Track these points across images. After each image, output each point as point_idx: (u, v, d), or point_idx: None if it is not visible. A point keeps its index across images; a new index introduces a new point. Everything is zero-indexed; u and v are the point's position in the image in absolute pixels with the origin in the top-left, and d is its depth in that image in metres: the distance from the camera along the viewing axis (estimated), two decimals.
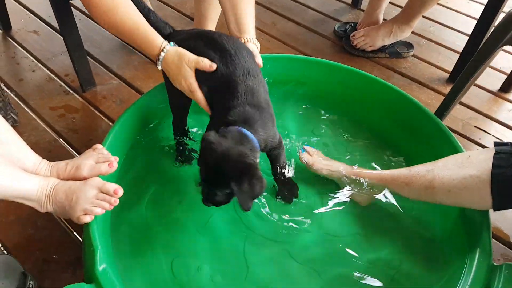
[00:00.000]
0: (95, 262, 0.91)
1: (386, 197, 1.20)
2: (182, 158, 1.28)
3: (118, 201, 0.98)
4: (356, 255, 1.11)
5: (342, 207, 1.20)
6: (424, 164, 1.10)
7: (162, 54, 1.07)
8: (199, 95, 1.07)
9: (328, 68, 1.47)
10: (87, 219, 0.96)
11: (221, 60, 1.05)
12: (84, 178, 1.01)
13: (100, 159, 1.05)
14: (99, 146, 1.09)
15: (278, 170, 1.19)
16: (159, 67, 1.10)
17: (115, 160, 1.05)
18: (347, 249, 1.12)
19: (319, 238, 1.14)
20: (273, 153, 1.15)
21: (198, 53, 1.06)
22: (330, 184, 1.23)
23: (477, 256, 0.99)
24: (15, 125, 1.46)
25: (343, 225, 1.17)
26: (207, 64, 1.04)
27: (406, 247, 1.13)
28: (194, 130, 1.33)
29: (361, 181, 1.19)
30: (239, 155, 0.94)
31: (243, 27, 1.18)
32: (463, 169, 0.99)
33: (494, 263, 0.98)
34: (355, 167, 1.23)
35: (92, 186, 0.97)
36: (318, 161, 1.24)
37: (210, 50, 1.06)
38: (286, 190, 1.20)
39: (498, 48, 1.22)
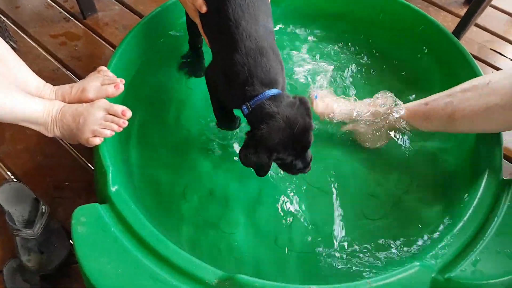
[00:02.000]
0: (108, 183, 0.92)
1: (396, 137, 1.16)
2: (193, 70, 1.27)
3: (126, 122, 0.97)
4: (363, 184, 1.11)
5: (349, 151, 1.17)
6: (441, 94, 1.06)
7: None
8: (200, 30, 1.04)
9: None
10: (96, 141, 0.96)
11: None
12: (90, 101, 0.99)
13: (106, 81, 1.02)
14: (104, 68, 1.06)
15: None
16: None
17: (121, 82, 1.03)
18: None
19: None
20: None
21: None
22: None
23: (487, 171, 1.00)
24: None
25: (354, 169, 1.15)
26: (198, 3, 0.97)
27: (413, 175, 1.13)
28: None
29: (378, 121, 1.13)
30: (292, 106, 0.89)
31: None
32: (484, 98, 0.96)
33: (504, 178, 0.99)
34: (368, 100, 1.15)
35: (99, 107, 0.96)
36: (333, 108, 1.14)
37: None
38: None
39: None
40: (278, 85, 0.92)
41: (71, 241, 1.00)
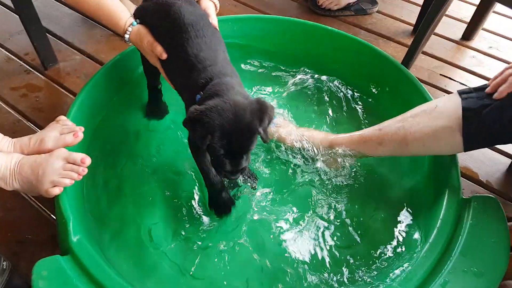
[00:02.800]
0: (69, 233, 0.90)
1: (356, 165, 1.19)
2: (154, 112, 1.30)
3: (86, 170, 0.97)
4: (330, 212, 1.12)
5: (314, 174, 1.18)
6: (393, 120, 1.10)
7: (126, 36, 1.07)
8: (162, 74, 1.09)
9: (293, 25, 1.47)
10: (56, 191, 0.95)
11: (173, 38, 1.00)
12: (49, 151, 0.99)
13: (65, 130, 1.03)
14: (62, 117, 1.07)
15: None
16: (129, 44, 1.11)
17: (80, 130, 1.03)
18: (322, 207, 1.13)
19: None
20: None
21: (156, 32, 1.05)
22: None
23: (447, 191, 1.03)
24: None
25: (319, 190, 1.16)
26: (158, 52, 1.02)
27: (379, 199, 1.15)
28: None
29: (335, 150, 1.17)
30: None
31: None
32: (433, 121, 1.02)
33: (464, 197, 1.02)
34: (327, 133, 1.21)
35: (58, 157, 0.96)
36: (291, 133, 1.20)
37: (164, 29, 1.03)
38: (248, 175, 1.14)
39: None
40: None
41: None
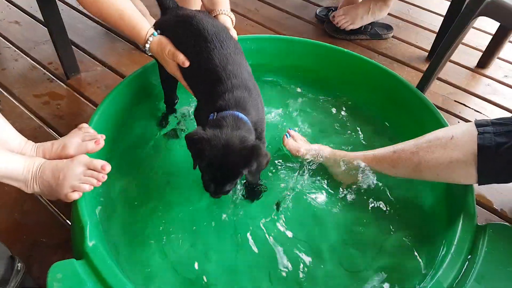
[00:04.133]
0: (85, 238, 0.92)
1: (368, 175, 1.19)
2: (170, 131, 1.32)
3: (106, 177, 0.99)
4: (343, 232, 1.12)
5: (325, 187, 1.20)
6: (408, 144, 1.11)
7: (147, 46, 1.11)
8: (182, 82, 1.12)
9: (311, 46, 1.51)
10: (75, 195, 0.97)
11: (198, 48, 1.04)
12: (71, 157, 1.02)
13: (87, 137, 1.06)
14: (85, 125, 1.10)
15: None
16: (149, 53, 1.14)
17: (101, 138, 1.06)
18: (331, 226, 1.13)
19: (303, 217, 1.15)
20: None
21: (177, 42, 1.08)
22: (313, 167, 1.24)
23: (462, 217, 1.03)
24: None
25: (328, 205, 1.17)
26: (180, 60, 1.06)
27: (393, 221, 1.14)
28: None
29: (345, 163, 1.19)
30: (241, 142, 0.92)
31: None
32: (448, 153, 1.02)
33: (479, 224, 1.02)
34: (339, 150, 1.23)
35: (79, 162, 0.98)
36: (303, 146, 1.23)
37: (187, 39, 1.07)
38: (251, 189, 1.17)
39: (474, 18, 1.26)
40: (248, 115, 0.98)
41: None
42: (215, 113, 0.98)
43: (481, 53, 1.82)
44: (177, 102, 1.35)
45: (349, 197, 1.18)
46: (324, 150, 1.23)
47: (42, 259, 1.09)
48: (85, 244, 0.91)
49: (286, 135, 1.26)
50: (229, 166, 0.92)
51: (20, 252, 1.08)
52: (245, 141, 0.92)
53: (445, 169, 1.03)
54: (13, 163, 0.95)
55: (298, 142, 1.25)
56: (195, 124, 1.17)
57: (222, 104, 0.98)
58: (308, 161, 1.22)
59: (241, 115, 0.96)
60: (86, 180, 0.97)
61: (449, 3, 1.75)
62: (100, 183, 0.99)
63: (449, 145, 1.02)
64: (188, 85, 1.10)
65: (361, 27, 1.90)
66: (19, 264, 1.00)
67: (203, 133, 0.92)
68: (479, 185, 1.02)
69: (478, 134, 0.99)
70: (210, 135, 0.91)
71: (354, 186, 1.18)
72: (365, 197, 1.17)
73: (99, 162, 0.99)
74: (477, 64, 1.82)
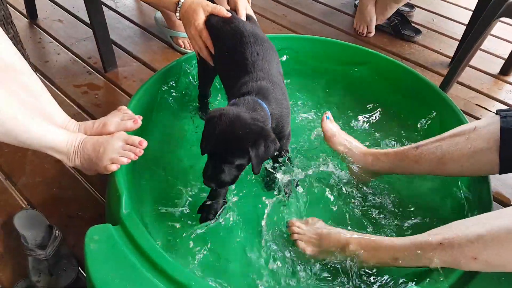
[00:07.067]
0: (121, 206, 0.99)
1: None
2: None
3: (142, 151, 1.07)
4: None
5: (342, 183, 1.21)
6: (431, 139, 1.11)
7: (178, 10, 1.16)
8: (205, 35, 1.14)
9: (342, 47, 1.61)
10: (113, 167, 1.04)
11: (234, 40, 1.11)
12: (111, 133, 1.09)
13: (126, 117, 1.14)
14: (124, 107, 1.18)
15: (276, 163, 1.14)
16: (177, 15, 1.17)
17: (139, 118, 1.14)
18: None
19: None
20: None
21: (217, 32, 1.14)
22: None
23: (477, 213, 1.03)
24: None
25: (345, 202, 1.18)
26: (224, 11, 1.12)
27: (407, 218, 1.15)
28: None
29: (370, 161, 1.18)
30: (252, 119, 0.93)
31: None
32: (472, 142, 1.03)
33: None
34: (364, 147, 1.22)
35: (118, 138, 1.06)
36: (339, 133, 1.21)
37: (227, 30, 1.13)
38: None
39: (495, 19, 1.30)
40: (269, 104, 1.00)
41: (79, 268, 1.06)
42: (237, 98, 1.01)
43: (504, 61, 1.85)
44: (207, 100, 1.42)
45: (360, 192, 1.19)
46: (356, 148, 1.20)
47: (77, 230, 1.16)
48: (121, 211, 0.98)
49: (325, 116, 1.25)
50: (234, 141, 0.91)
51: (57, 223, 1.15)
52: (257, 121, 0.93)
53: (469, 160, 1.03)
54: (58, 136, 1.03)
55: (335, 129, 1.23)
56: None
57: (245, 90, 1.01)
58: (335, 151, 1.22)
59: (260, 101, 0.98)
60: (124, 153, 1.05)
61: (471, 13, 1.80)
62: (137, 157, 1.06)
63: (472, 136, 1.03)
64: (218, 71, 1.18)
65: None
66: (56, 232, 1.08)
67: (212, 114, 0.95)
68: (500, 173, 1.01)
69: (500, 118, 1.00)
70: (220, 112, 0.93)
71: (370, 185, 1.20)
72: (376, 192, 1.20)
73: (136, 138, 1.06)
74: (500, 71, 1.85)
